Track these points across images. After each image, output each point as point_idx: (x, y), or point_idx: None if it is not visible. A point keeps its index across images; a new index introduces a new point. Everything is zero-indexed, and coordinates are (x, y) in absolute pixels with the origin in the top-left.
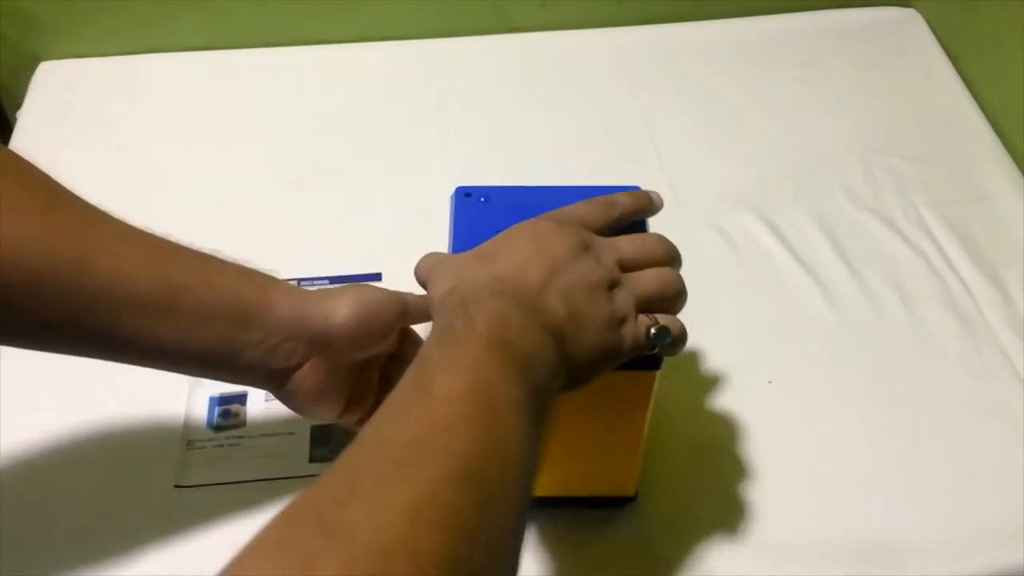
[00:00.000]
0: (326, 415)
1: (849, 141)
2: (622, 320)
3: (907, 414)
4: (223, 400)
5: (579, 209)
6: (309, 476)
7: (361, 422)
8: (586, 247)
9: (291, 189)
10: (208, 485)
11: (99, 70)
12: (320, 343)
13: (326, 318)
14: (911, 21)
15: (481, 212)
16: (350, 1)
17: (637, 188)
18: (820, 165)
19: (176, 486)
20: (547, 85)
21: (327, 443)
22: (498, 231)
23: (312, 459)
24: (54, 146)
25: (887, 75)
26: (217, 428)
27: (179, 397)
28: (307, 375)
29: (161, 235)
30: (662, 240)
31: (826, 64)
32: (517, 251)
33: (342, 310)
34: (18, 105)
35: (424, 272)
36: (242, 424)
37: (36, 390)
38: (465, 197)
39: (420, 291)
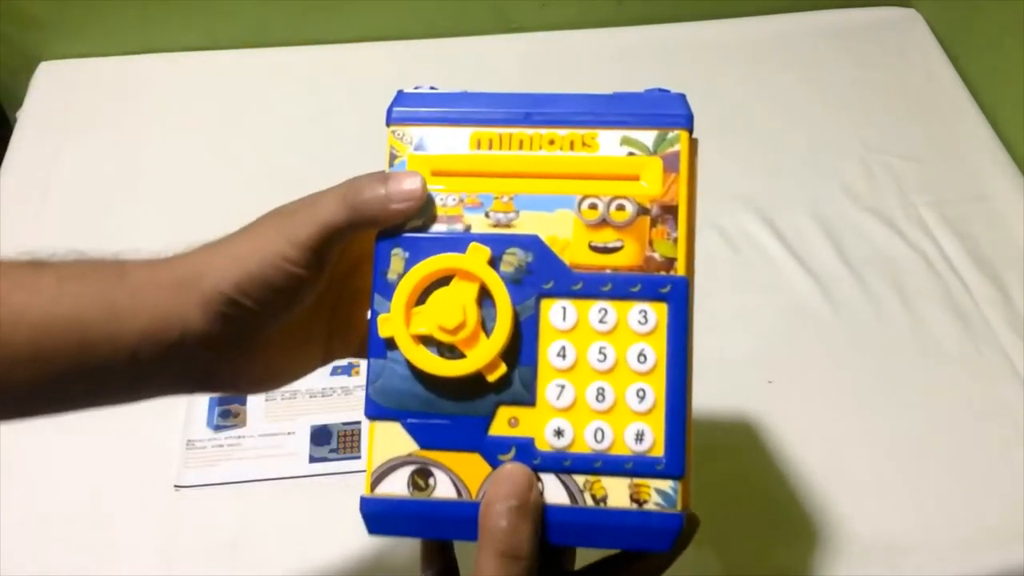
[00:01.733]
0: (294, 377)
1: (849, 141)
2: None
3: (907, 414)
4: (223, 400)
5: None
6: (309, 476)
7: (355, 353)
8: None
9: (291, 189)
10: (208, 485)
11: (99, 70)
12: (204, 344)
13: (200, 305)
14: (911, 21)
15: None
16: (350, 1)
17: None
18: (820, 165)
19: (176, 486)
20: (547, 85)
21: (327, 443)
22: None
23: (312, 459)
24: (54, 146)
25: (887, 75)
26: (217, 428)
27: (179, 397)
28: (219, 376)
29: None
30: None
31: (827, 64)
32: None
33: (220, 285)
34: (18, 105)
35: None
36: (242, 424)
37: None
38: None
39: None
